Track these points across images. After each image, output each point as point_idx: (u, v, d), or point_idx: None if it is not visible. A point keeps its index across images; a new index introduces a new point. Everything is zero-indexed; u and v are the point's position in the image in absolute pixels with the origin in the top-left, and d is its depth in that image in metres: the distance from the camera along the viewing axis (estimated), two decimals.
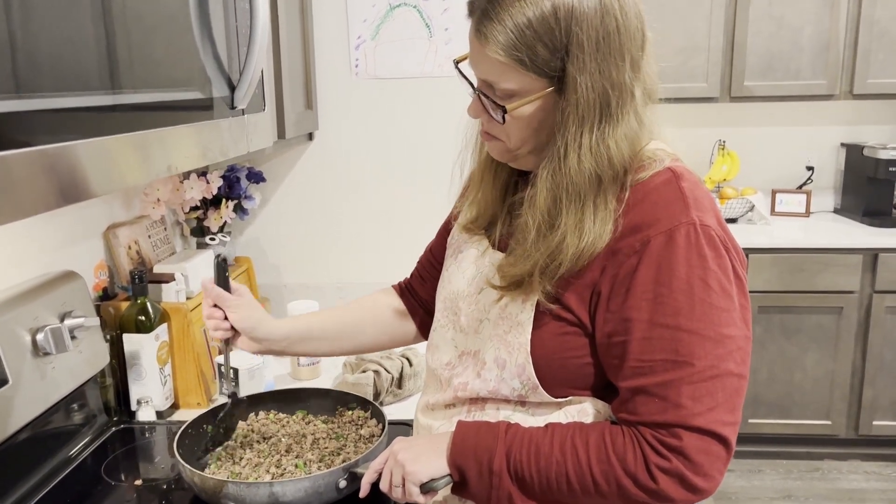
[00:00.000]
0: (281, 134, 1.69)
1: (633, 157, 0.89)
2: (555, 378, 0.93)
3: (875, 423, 3.14)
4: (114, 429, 1.44)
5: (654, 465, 0.85)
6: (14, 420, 1.15)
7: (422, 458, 0.95)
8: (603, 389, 0.94)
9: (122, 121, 0.84)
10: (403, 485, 0.95)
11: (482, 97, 0.91)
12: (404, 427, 1.37)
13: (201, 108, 1.04)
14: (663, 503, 0.86)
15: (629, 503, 0.87)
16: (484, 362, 0.98)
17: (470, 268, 1.05)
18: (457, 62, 0.94)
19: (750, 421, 3.17)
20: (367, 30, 1.96)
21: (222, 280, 1.16)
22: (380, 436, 1.20)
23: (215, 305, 1.16)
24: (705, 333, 0.84)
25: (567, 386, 0.94)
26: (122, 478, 1.28)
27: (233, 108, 1.13)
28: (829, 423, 3.16)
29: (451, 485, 0.96)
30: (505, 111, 0.89)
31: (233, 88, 1.13)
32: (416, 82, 1.99)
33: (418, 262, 1.29)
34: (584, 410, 0.95)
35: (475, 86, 0.93)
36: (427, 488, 0.94)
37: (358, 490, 1.05)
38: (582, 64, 0.83)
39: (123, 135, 0.83)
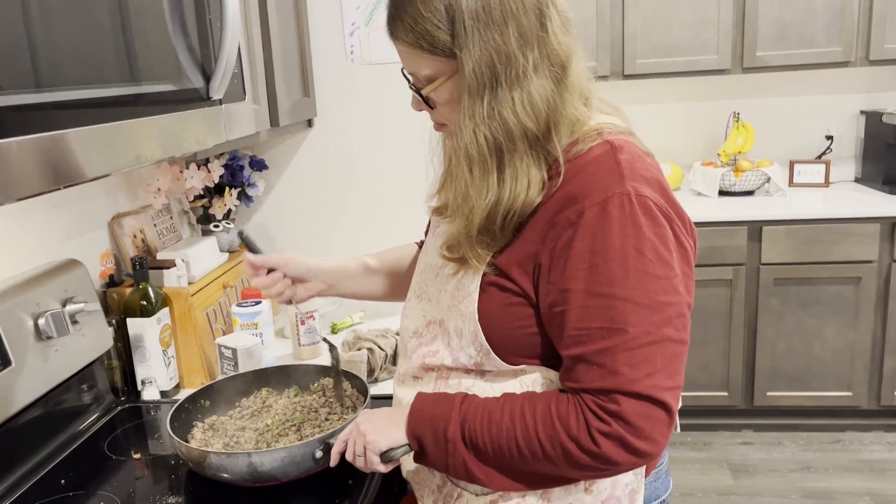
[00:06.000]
0: (274, 122, 1.74)
1: (548, 125, 0.91)
2: (505, 346, 0.97)
3: None
4: (120, 408, 1.52)
5: (595, 429, 0.88)
6: (18, 399, 1.23)
7: (381, 429, 1.01)
8: (554, 358, 0.97)
9: (94, 113, 0.89)
10: (365, 454, 1.01)
11: (413, 89, 0.99)
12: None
13: (174, 99, 1.09)
14: (608, 466, 0.90)
15: (576, 466, 0.91)
16: (448, 332, 1.03)
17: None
18: (403, 67, 1.01)
19: (769, 394, 3.16)
20: (361, 16, 2.00)
21: (254, 250, 1.27)
22: (360, 409, 1.25)
23: (268, 274, 1.25)
24: (640, 301, 0.87)
25: (517, 354, 0.98)
26: (127, 453, 1.35)
27: (208, 98, 1.18)
28: (850, 394, 3.14)
29: (411, 454, 1.00)
30: (423, 96, 0.96)
31: (208, 79, 1.18)
32: None
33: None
34: (536, 380, 0.98)
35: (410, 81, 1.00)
36: (387, 457, 1.00)
37: (341, 456, 1.11)
38: (465, 36, 0.88)
39: (90, 127, 0.89)
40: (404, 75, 1.01)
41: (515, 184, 0.91)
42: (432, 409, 0.98)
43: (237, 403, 1.39)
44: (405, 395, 1.12)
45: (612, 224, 0.87)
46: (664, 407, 0.87)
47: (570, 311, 0.89)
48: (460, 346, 1.01)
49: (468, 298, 0.98)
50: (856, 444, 3.12)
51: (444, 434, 0.95)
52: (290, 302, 1.28)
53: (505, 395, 0.97)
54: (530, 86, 0.89)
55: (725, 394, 3.19)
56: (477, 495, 1.02)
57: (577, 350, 0.90)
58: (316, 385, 1.40)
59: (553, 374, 0.98)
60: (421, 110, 1.02)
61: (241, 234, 1.28)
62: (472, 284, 0.98)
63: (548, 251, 0.91)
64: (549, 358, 0.98)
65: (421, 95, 0.97)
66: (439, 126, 1.03)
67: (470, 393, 1.00)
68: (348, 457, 1.04)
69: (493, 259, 0.96)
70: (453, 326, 1.02)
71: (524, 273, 0.94)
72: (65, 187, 0.87)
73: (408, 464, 1.12)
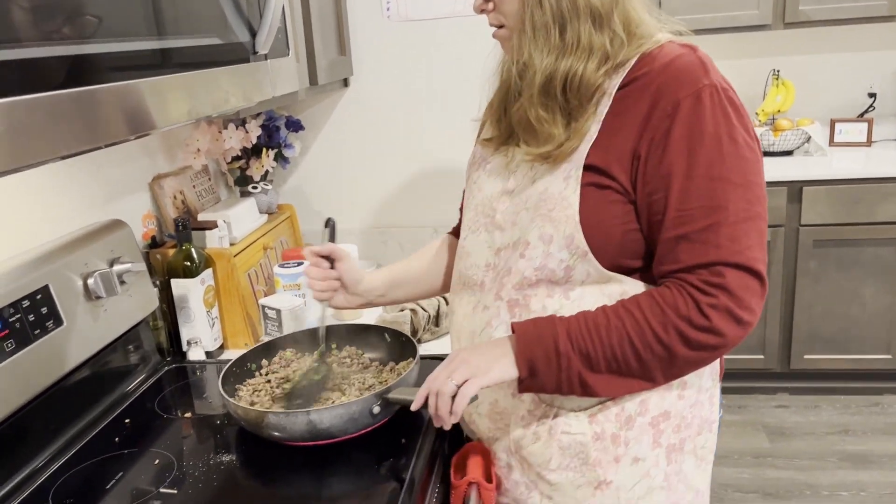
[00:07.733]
0: (313, 80, 1.71)
1: (612, 6, 0.97)
2: (602, 247, 0.99)
3: None
4: (166, 368, 1.53)
5: (704, 303, 0.93)
6: (71, 359, 1.23)
7: (493, 362, 0.99)
8: (646, 260, 1.00)
9: (144, 67, 0.88)
10: (464, 385, 0.97)
11: None
12: (439, 362, 1.41)
13: (221, 54, 1.07)
14: (719, 339, 0.94)
15: (690, 347, 0.94)
16: (528, 243, 1.03)
17: (503, 172, 1.10)
18: None
19: (806, 357, 3.12)
20: None
21: (332, 240, 1.27)
22: (411, 366, 1.24)
23: (323, 264, 1.26)
24: (736, 180, 0.93)
25: (613, 254, 0.99)
26: (175, 412, 1.36)
27: (255, 53, 1.16)
28: (889, 356, 3.09)
29: (476, 401, 0.99)
30: None
31: (254, 34, 1.16)
32: (448, 22, 1.98)
33: (460, 210, 1.34)
34: (625, 293, 1.00)
35: None
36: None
37: (393, 415, 1.14)
38: None
39: (143, 80, 0.87)
40: None
41: (577, 47, 0.97)
42: (535, 331, 0.98)
43: (264, 364, 1.38)
44: (473, 327, 1.12)
45: (705, 112, 0.94)
46: (759, 277, 0.94)
47: (672, 194, 0.95)
48: (547, 252, 1.00)
49: (563, 202, 0.99)
50: (895, 408, 3.08)
51: (556, 349, 0.96)
52: (323, 301, 1.27)
53: (600, 306, 0.99)
54: None
55: (762, 357, 3.15)
56: (575, 412, 1.04)
57: (679, 230, 0.94)
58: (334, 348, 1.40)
59: (641, 287, 1.01)
60: (482, 11, 1.05)
61: (328, 221, 1.29)
62: (566, 189, 0.99)
63: (646, 143, 0.96)
64: (643, 258, 1.00)
65: None
66: (498, 29, 1.05)
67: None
68: (440, 387, 0.99)
69: (588, 161, 0.98)
70: (537, 235, 1.01)
71: (623, 170, 0.98)
72: (106, 146, 0.86)
73: (477, 415, 1.13)
